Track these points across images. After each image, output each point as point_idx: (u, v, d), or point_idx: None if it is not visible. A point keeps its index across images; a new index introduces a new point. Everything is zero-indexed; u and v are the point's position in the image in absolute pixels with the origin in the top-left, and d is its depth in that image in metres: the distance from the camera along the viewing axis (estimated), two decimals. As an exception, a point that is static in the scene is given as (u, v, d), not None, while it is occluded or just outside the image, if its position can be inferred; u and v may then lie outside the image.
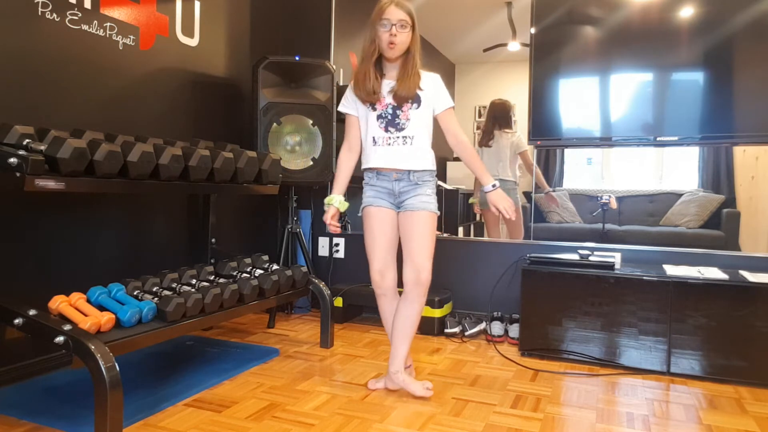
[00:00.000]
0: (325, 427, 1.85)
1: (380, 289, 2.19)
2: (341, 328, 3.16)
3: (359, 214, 2.20)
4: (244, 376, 2.32)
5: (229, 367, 2.38)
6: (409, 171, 2.09)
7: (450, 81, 3.45)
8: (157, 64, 2.76)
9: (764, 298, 2.30)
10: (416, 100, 2.07)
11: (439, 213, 2.14)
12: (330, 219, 2.16)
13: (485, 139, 3.35)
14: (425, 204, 2.08)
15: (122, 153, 1.95)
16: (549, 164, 3.21)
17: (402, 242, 2.14)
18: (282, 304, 3.34)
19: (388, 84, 2.08)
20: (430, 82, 2.10)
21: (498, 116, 3.33)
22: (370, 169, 2.15)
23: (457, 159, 3.47)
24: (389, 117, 2.08)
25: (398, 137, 2.08)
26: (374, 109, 2.10)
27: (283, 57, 3.06)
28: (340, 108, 2.20)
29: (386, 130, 2.09)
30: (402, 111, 2.07)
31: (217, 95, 3.17)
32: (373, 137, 2.10)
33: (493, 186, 2.10)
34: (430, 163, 2.12)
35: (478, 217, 3.43)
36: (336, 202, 2.16)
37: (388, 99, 2.08)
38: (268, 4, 3.56)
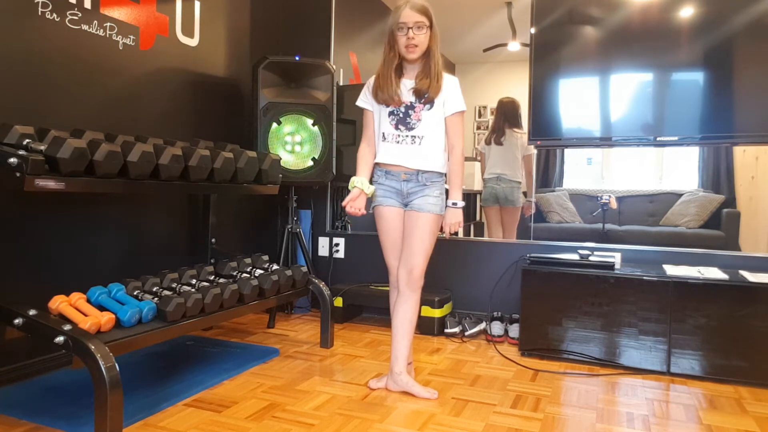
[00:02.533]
0: (325, 427, 1.85)
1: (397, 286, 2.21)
2: (341, 328, 3.16)
3: (370, 211, 2.22)
4: (244, 376, 2.32)
5: (229, 367, 2.38)
6: (417, 172, 2.11)
7: (450, 81, 3.45)
8: (157, 64, 2.76)
9: (764, 298, 2.30)
10: (430, 101, 2.08)
11: (443, 214, 2.15)
12: (351, 201, 2.13)
13: (497, 136, 3.34)
14: (430, 206, 2.10)
15: (122, 153, 1.95)
16: (549, 164, 3.21)
17: (403, 240, 2.16)
18: (282, 304, 3.34)
19: (407, 83, 2.10)
20: (446, 85, 2.10)
21: (508, 114, 3.33)
22: (379, 165, 2.17)
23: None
24: (401, 115, 2.10)
25: (407, 136, 2.10)
26: (387, 106, 2.12)
27: (283, 57, 3.06)
28: (358, 103, 2.21)
29: (396, 128, 2.11)
30: (414, 111, 2.09)
31: (217, 95, 3.17)
32: (383, 133, 2.13)
33: (455, 204, 2.14)
34: (439, 164, 2.13)
35: (478, 217, 3.43)
36: (359, 182, 2.14)
37: (405, 96, 2.09)
38: (268, 4, 3.56)
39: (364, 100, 2.20)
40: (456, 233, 2.18)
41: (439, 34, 2.08)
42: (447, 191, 2.18)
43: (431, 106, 2.08)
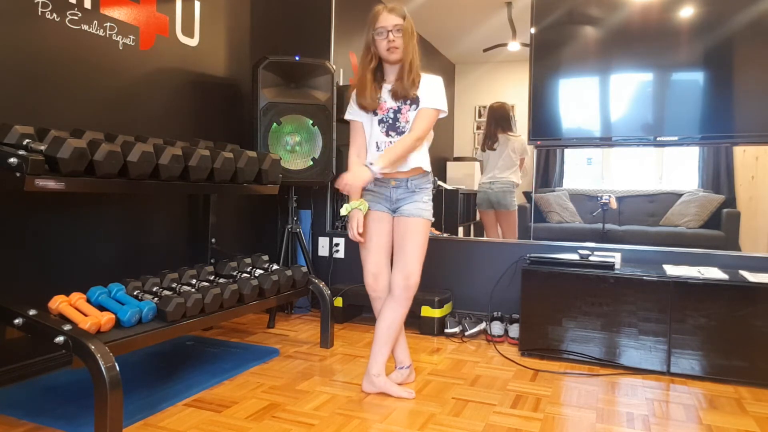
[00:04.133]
0: (325, 427, 1.85)
1: (375, 292, 2.19)
2: (341, 328, 3.16)
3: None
4: (244, 376, 2.32)
5: (229, 367, 2.38)
6: (407, 179, 2.10)
7: (450, 81, 3.45)
8: (157, 64, 2.76)
9: (764, 298, 2.30)
10: (415, 101, 2.08)
11: (433, 220, 2.15)
12: (357, 228, 2.08)
13: (489, 142, 3.35)
14: (420, 211, 2.09)
15: (122, 153, 1.95)
16: (549, 164, 3.21)
17: (394, 247, 2.14)
18: (282, 304, 3.34)
19: (389, 87, 2.10)
20: (427, 83, 2.09)
21: (498, 119, 3.34)
22: None
23: (457, 159, 3.47)
24: (390, 121, 2.09)
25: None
26: (376, 114, 2.11)
27: (283, 57, 3.06)
28: (346, 116, 2.20)
29: (387, 135, 2.10)
30: (402, 114, 2.08)
31: (217, 95, 3.17)
32: (376, 143, 2.12)
33: (371, 165, 2.00)
34: (425, 162, 2.11)
35: (477, 217, 3.43)
36: (357, 205, 2.10)
37: (390, 103, 2.09)
38: (268, 4, 3.56)
39: (351, 112, 2.17)
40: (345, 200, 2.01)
41: (416, 38, 2.07)
42: (443, 190, 2.18)
43: (417, 106, 2.08)
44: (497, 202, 3.31)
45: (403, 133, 2.08)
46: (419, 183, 2.12)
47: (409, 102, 2.07)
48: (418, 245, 2.09)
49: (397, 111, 2.08)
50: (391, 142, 2.09)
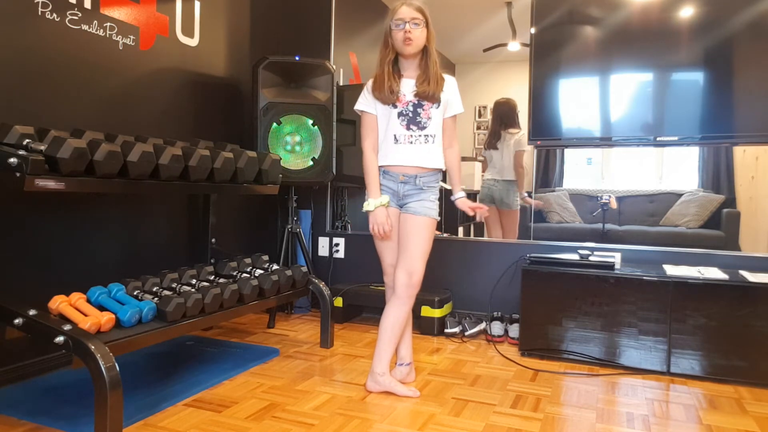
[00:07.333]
0: (325, 427, 1.85)
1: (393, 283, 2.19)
2: (341, 328, 3.16)
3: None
4: (244, 376, 2.32)
5: (229, 367, 2.38)
6: (416, 175, 2.11)
7: (450, 81, 3.45)
8: (157, 64, 2.76)
9: (764, 298, 2.30)
10: (437, 100, 2.10)
11: (439, 219, 2.16)
12: (387, 223, 2.09)
13: (493, 140, 3.35)
14: (427, 210, 2.10)
15: (122, 153, 1.95)
16: (549, 164, 3.21)
17: (399, 243, 2.14)
18: (282, 304, 3.34)
19: (407, 82, 2.10)
20: (449, 85, 2.14)
21: (503, 116, 3.34)
22: (382, 166, 2.15)
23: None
24: (410, 114, 2.10)
25: (420, 135, 2.10)
26: (395, 107, 2.11)
27: (283, 57, 3.06)
28: (358, 106, 2.17)
29: (408, 128, 2.10)
30: (423, 110, 2.09)
31: (217, 95, 3.17)
32: (395, 135, 2.11)
33: (461, 195, 2.22)
34: (442, 161, 2.16)
35: (478, 217, 3.42)
36: (382, 200, 2.10)
37: (409, 97, 2.09)
38: (268, 4, 3.56)
39: (365, 102, 2.15)
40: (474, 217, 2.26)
41: (435, 35, 2.10)
42: (443, 189, 2.19)
43: (438, 105, 2.11)
44: (500, 201, 3.31)
45: (425, 128, 2.10)
46: (428, 181, 2.13)
47: (429, 101, 2.09)
48: (422, 244, 2.10)
49: (418, 106, 2.09)
50: (411, 135, 2.09)
